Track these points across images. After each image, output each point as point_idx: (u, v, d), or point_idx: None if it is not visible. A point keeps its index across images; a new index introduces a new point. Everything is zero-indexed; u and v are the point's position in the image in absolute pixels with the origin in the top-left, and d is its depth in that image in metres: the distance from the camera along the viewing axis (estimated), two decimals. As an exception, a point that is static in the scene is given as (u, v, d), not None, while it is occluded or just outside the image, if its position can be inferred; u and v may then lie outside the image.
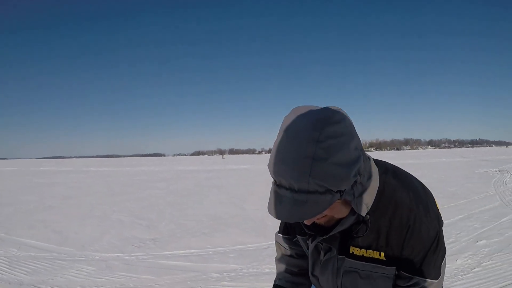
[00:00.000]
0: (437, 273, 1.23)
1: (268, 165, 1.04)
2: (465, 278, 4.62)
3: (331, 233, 1.23)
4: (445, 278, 4.42)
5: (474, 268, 4.93)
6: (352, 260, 1.27)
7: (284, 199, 1.00)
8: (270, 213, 1.05)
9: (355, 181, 1.03)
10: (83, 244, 7.10)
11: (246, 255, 6.14)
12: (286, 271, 1.67)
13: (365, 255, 1.24)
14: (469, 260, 5.28)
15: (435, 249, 1.19)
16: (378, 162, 1.30)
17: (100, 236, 7.87)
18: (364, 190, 1.11)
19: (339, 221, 1.20)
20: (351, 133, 1.01)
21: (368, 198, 1.14)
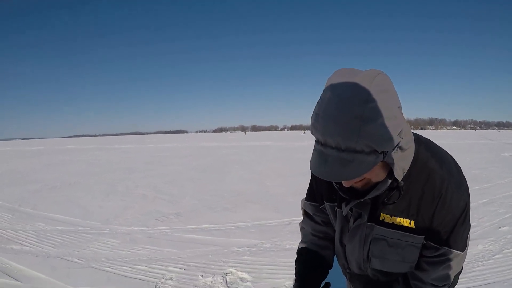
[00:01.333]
0: (463, 245, 1.26)
1: (312, 125, 1.05)
2: (485, 264, 4.54)
3: (368, 197, 1.23)
4: (465, 263, 4.35)
5: (496, 255, 4.83)
6: (381, 227, 1.29)
7: (330, 158, 1.02)
8: (314, 172, 1.07)
9: (398, 143, 1.05)
10: (107, 218, 7.31)
11: (267, 230, 6.21)
12: (312, 235, 1.68)
13: (395, 222, 1.26)
14: (490, 246, 5.17)
15: (463, 220, 1.22)
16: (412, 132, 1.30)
17: (124, 210, 8.08)
18: (403, 154, 1.12)
19: (374, 185, 1.21)
20: (395, 93, 1.05)
21: (405, 163, 1.16)
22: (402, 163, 1.13)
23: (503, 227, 6.08)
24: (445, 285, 1.33)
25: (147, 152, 30.61)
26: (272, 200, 8.72)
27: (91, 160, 24.15)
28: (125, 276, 4.46)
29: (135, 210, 8.06)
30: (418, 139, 1.28)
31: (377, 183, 1.19)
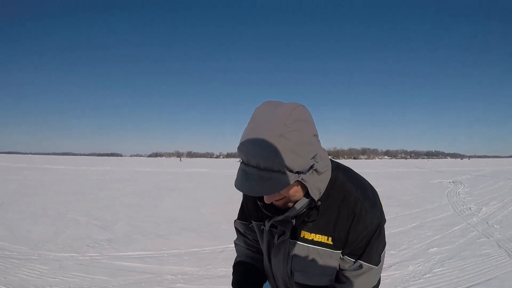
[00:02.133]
0: (378, 260, 1.38)
1: (238, 148, 1.20)
2: (416, 284, 4.90)
3: (286, 214, 1.34)
4: (396, 283, 4.66)
5: (426, 274, 5.24)
6: (302, 243, 1.40)
7: (251, 176, 1.16)
8: (237, 187, 1.19)
9: (312, 166, 1.22)
10: (36, 243, 7.05)
11: (201, 257, 6.28)
12: (246, 249, 1.81)
13: (314, 239, 1.37)
14: (420, 267, 5.59)
15: (377, 237, 1.35)
16: (332, 160, 1.46)
17: (54, 235, 7.82)
18: (318, 176, 1.28)
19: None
20: (312, 123, 1.23)
21: (321, 185, 1.31)
22: (317, 184, 1.28)
23: (432, 248, 6.64)
24: None
25: (80, 175, 29.48)
26: (208, 228, 8.80)
27: (21, 179, 22.93)
28: None
29: (66, 235, 7.81)
30: (338, 166, 1.45)
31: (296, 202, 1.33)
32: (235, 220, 1.83)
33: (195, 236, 7.88)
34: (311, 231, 1.39)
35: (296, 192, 1.28)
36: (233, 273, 1.74)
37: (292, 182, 1.17)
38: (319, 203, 1.35)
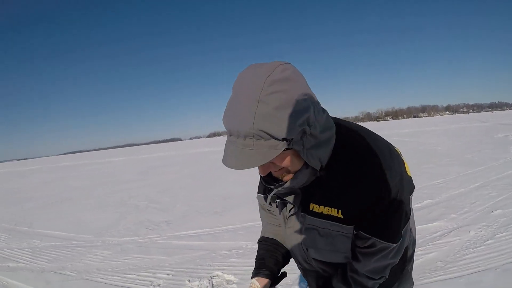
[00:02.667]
0: (396, 237, 1.23)
1: (222, 119, 1.09)
2: (476, 251, 4.51)
3: (286, 185, 1.23)
4: (455, 251, 4.37)
5: (487, 240, 4.81)
6: (311, 217, 1.29)
7: (233, 147, 1.05)
8: (223, 163, 1.09)
9: (304, 132, 1.05)
10: (100, 231, 7.52)
11: (255, 231, 6.32)
12: (268, 225, 1.77)
13: (323, 212, 1.25)
14: (482, 232, 5.14)
15: (395, 210, 1.18)
16: (341, 121, 1.31)
17: (116, 222, 8.30)
18: (316, 142, 1.11)
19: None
20: (300, 82, 1.06)
21: (322, 152, 1.15)
22: (316, 151, 1.13)
23: (496, 210, 6.07)
24: (381, 277, 1.33)
25: (141, 163, 30.73)
26: None
27: (84, 175, 24.32)
28: (114, 285, 4.69)
29: (127, 221, 8.27)
30: (347, 128, 1.27)
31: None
32: (257, 194, 1.70)
33: (250, 211, 7.90)
34: (319, 203, 1.26)
35: (292, 161, 1.15)
36: (257, 250, 1.73)
37: (280, 150, 1.04)
38: (322, 172, 1.21)
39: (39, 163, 56.05)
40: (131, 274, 4.97)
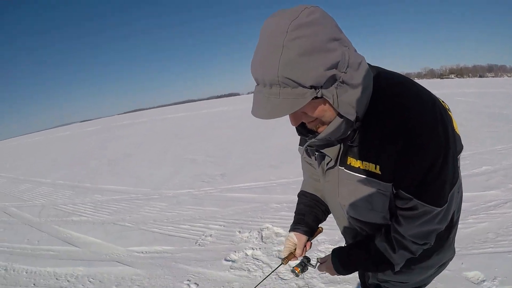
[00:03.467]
0: (441, 200, 1.14)
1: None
2: None
3: (319, 136, 1.17)
4: (508, 224, 4.17)
5: None
6: (348, 171, 1.25)
7: (261, 96, 1.02)
8: (252, 114, 1.06)
9: (334, 79, 1.00)
10: (157, 184, 7.92)
11: None
12: (309, 179, 1.75)
13: (361, 167, 1.19)
14: None
15: (440, 171, 1.08)
16: (380, 69, 1.23)
17: (173, 175, 8.67)
18: (349, 91, 1.05)
19: None
20: (328, 26, 0.99)
21: (357, 101, 1.08)
22: (350, 99, 1.05)
23: None
24: (425, 243, 1.27)
25: (199, 118, 31.28)
26: None
27: (144, 132, 25.31)
28: (169, 234, 4.97)
29: (183, 174, 8.62)
30: (387, 76, 1.19)
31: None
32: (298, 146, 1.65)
33: None
34: (357, 157, 1.20)
35: (324, 111, 1.08)
36: (297, 203, 1.75)
37: (308, 99, 0.99)
38: (360, 124, 1.15)
39: (100, 123, 58.67)
40: (185, 225, 5.24)
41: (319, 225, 1.70)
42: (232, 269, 3.98)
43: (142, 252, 4.60)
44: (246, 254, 4.26)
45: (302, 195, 1.76)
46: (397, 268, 1.35)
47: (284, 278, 3.66)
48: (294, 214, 1.72)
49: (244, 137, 13.91)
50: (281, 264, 1.64)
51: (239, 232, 4.79)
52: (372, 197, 1.21)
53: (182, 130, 22.05)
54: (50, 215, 6.64)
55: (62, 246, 5.02)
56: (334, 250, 1.53)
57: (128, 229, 5.35)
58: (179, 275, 3.98)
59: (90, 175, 10.52)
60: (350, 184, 1.26)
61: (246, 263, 4.07)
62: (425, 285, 1.62)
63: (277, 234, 4.61)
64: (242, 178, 7.49)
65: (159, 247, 4.68)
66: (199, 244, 4.63)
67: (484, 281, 3.02)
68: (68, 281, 4.12)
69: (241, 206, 5.74)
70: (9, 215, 7.09)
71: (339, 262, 1.49)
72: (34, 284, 4.12)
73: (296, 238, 1.62)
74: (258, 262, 4.06)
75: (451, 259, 1.56)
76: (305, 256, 1.65)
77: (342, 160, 1.27)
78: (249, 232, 4.73)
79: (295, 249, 1.63)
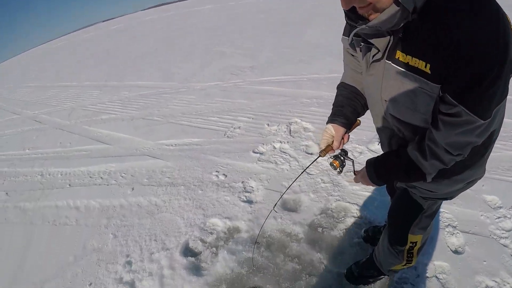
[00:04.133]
0: (486, 113, 1.10)
1: None
2: None
3: (370, 24, 1.11)
4: None
5: None
6: (396, 66, 1.19)
7: None
8: None
9: None
10: (185, 78, 7.90)
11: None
12: (350, 70, 1.69)
13: (410, 63, 1.13)
14: None
15: (491, 83, 1.02)
16: None
17: (202, 68, 8.59)
18: None
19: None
20: None
21: None
22: None
23: None
24: (459, 154, 1.25)
25: (227, 10, 30.21)
26: None
27: (170, 27, 24.74)
28: (198, 127, 5.04)
29: (212, 67, 8.51)
30: None
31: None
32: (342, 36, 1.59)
33: (336, 62, 7.52)
34: (407, 52, 1.14)
35: None
36: (336, 95, 1.72)
37: None
38: (415, 16, 1.06)
39: (124, 21, 57.69)
40: (214, 117, 5.27)
41: (358, 118, 1.69)
42: (259, 161, 4.05)
43: (172, 145, 4.71)
44: (274, 147, 4.29)
45: (341, 87, 1.73)
46: (428, 179, 1.35)
47: (311, 173, 3.70)
48: (332, 106, 1.71)
49: (275, 30, 13.29)
50: (318, 157, 1.65)
51: (268, 125, 4.78)
52: (416, 97, 1.17)
53: (210, 22, 21.39)
54: (79, 116, 6.81)
55: (93, 145, 5.20)
56: (368, 161, 1.54)
57: (157, 123, 5.44)
58: (208, 166, 4.08)
59: (116, 73, 10.57)
60: (395, 80, 1.21)
61: (273, 156, 4.12)
62: (451, 198, 1.65)
63: (305, 129, 4.58)
64: (272, 71, 7.31)
65: (188, 140, 4.77)
66: (227, 136, 4.69)
67: (501, 207, 2.99)
68: (101, 178, 4.31)
69: (270, 99, 5.67)
70: (40, 123, 7.34)
71: (374, 171, 1.51)
72: (69, 185, 4.34)
73: (334, 130, 1.62)
74: (286, 155, 4.09)
75: (480, 177, 1.55)
76: (342, 149, 1.66)
77: (390, 54, 1.20)
78: (278, 126, 4.72)
79: (333, 141, 1.64)
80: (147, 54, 12.77)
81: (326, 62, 7.55)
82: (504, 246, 2.63)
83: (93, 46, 25.35)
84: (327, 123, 1.68)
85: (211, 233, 3.15)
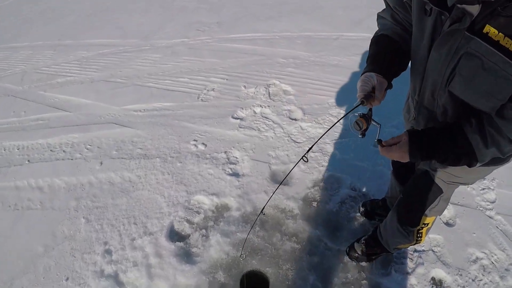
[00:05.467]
0: None
1: None
2: None
3: None
4: None
5: None
6: (482, 42, 1.06)
7: None
8: None
9: None
10: (147, 34, 7.36)
11: (314, 43, 5.96)
12: (392, 25, 1.55)
13: (501, 42, 1.02)
14: None
15: None
16: None
17: (163, 24, 8.06)
18: None
19: None
20: None
21: None
22: None
23: None
24: None
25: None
26: (319, 12, 7.99)
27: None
28: (167, 89, 4.71)
29: (175, 23, 8.01)
30: None
31: None
32: None
33: (307, 19, 7.31)
34: (501, 29, 1.00)
35: None
36: (373, 45, 1.53)
37: None
38: None
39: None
40: (184, 78, 4.94)
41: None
42: (241, 128, 3.85)
43: (140, 111, 4.38)
44: (255, 112, 4.10)
45: (381, 37, 1.54)
46: (476, 165, 1.29)
47: (298, 141, 3.59)
48: (371, 56, 1.51)
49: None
50: (359, 104, 1.38)
51: (244, 87, 4.55)
52: (497, 81, 1.07)
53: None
54: (33, 80, 6.25)
55: (51, 113, 4.75)
56: (412, 133, 1.37)
57: (121, 86, 5.05)
58: (184, 135, 3.82)
59: (70, 31, 9.80)
60: (477, 57, 1.10)
61: (255, 121, 3.93)
62: (471, 183, 1.79)
63: (285, 92, 4.40)
64: (241, 28, 6.94)
65: (157, 104, 4.46)
66: (201, 100, 4.41)
67: (484, 179, 3.14)
68: (63, 151, 3.94)
69: (244, 59, 5.39)
70: (-12, 90, 6.73)
71: (419, 146, 1.35)
72: (28, 161, 3.93)
73: (377, 80, 1.40)
74: (268, 121, 3.91)
75: (507, 162, 1.53)
76: (370, 108, 1.43)
77: (476, 26, 1.07)
78: (255, 88, 4.50)
79: (374, 92, 1.42)
80: (100, 11, 11.86)
81: (297, 19, 7.29)
82: (490, 217, 2.85)
83: (39, 4, 23.99)
84: (365, 72, 1.45)
85: (198, 213, 2.95)
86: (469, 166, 1.31)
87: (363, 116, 1.41)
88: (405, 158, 1.39)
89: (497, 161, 1.42)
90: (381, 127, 1.47)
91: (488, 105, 1.17)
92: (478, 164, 1.30)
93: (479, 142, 1.22)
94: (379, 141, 1.44)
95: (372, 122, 1.44)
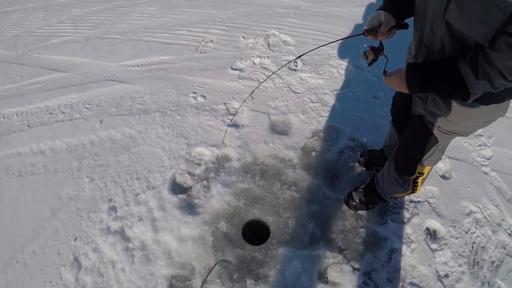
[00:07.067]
0: None
1: None
2: None
3: None
4: None
5: None
6: None
7: None
8: None
9: None
10: (140, -14, 7.22)
11: None
12: None
13: None
14: None
15: None
16: None
17: (155, -24, 7.89)
18: None
19: None
20: None
21: None
22: None
23: None
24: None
25: None
26: None
27: None
28: (165, 43, 4.65)
29: (169, -26, 7.83)
30: None
31: None
32: None
33: None
34: None
35: None
36: None
37: None
38: None
39: None
40: (182, 30, 4.88)
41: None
42: (240, 79, 3.83)
43: (138, 66, 4.36)
44: (254, 63, 4.07)
45: None
46: (470, 99, 1.35)
47: (297, 92, 3.59)
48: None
49: None
50: (360, 34, 1.60)
51: (243, 38, 4.50)
52: (488, 8, 1.13)
53: None
54: (27, 44, 6.17)
55: (48, 76, 4.72)
56: (410, 64, 1.48)
57: (117, 42, 4.99)
58: (183, 88, 3.81)
59: (59, -11, 9.70)
60: None
61: (254, 72, 3.91)
62: (467, 134, 1.77)
63: (285, 43, 4.35)
64: (236, -26, 6.79)
65: (155, 58, 4.43)
66: (200, 52, 4.37)
67: (481, 135, 3.25)
68: (63, 112, 3.94)
69: (242, 9, 5.30)
70: (-18, 58, 6.67)
71: (417, 75, 1.45)
72: (28, 126, 3.93)
73: (384, 17, 1.59)
74: (268, 72, 3.89)
75: (501, 116, 1.61)
76: (381, 42, 1.61)
77: None
78: (255, 38, 4.45)
79: (380, 27, 1.60)
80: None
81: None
82: (485, 173, 2.94)
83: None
84: (378, 9, 1.64)
85: (199, 164, 2.98)
86: (463, 99, 1.37)
87: (372, 48, 1.59)
88: (403, 87, 1.50)
89: (489, 100, 1.46)
90: (388, 60, 1.63)
91: (481, 33, 1.21)
92: (471, 98, 1.35)
93: (469, 73, 1.27)
94: (384, 72, 1.58)
95: (381, 55, 1.61)
